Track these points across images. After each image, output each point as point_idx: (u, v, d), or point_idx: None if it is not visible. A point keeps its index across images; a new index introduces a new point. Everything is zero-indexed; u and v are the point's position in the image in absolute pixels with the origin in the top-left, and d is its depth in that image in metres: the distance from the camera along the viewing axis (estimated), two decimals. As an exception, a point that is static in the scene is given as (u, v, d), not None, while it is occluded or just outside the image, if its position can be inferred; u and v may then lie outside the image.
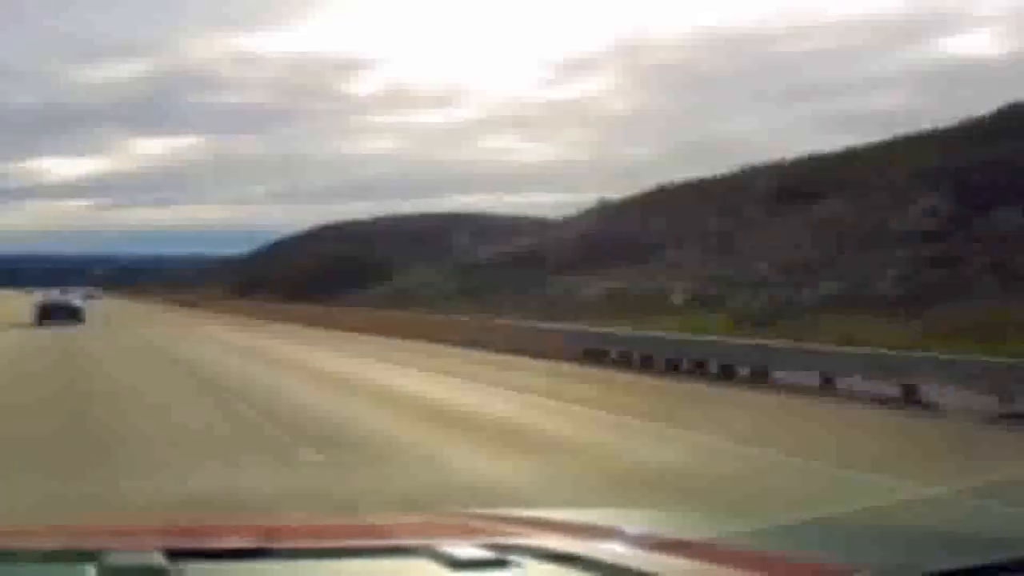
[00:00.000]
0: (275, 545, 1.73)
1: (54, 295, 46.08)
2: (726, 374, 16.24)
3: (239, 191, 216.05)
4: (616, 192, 66.25)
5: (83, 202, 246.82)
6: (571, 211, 49.56)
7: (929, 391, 12.39)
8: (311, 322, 35.43)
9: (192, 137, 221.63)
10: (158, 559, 1.56)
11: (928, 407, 11.93)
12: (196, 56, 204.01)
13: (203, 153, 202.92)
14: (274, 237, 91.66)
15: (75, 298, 45.53)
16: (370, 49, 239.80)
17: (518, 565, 1.61)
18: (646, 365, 17.90)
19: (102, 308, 55.83)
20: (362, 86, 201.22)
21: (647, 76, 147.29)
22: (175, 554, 1.59)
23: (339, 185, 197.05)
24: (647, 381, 15.67)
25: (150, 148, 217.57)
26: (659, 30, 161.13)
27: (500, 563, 1.61)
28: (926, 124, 34.81)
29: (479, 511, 2.50)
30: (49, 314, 40.74)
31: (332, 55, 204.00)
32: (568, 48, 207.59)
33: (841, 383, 13.79)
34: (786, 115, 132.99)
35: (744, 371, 16.02)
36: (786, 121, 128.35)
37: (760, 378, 15.21)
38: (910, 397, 12.78)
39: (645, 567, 1.57)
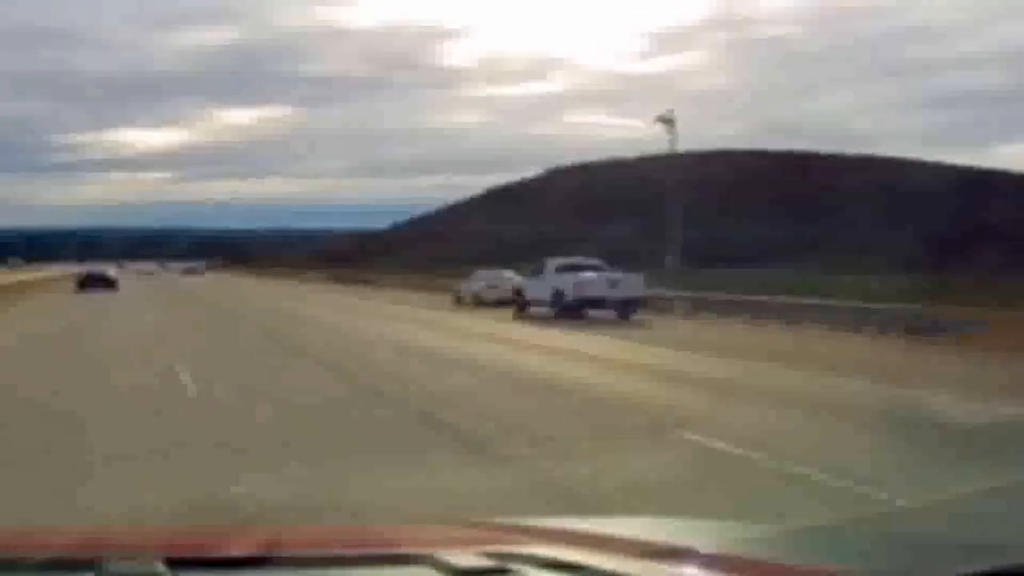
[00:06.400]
0: (276, 554, 1.89)
1: (96, 268, 59.86)
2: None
3: (321, 164, 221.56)
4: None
5: (164, 174, 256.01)
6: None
7: None
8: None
9: (276, 109, 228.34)
10: (159, 568, 1.74)
11: None
12: (283, 25, 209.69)
13: (286, 125, 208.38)
14: (356, 211, 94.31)
15: (109, 270, 59.91)
16: (461, 20, 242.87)
17: (520, 574, 1.76)
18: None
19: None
20: (451, 58, 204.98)
21: (741, 50, 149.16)
22: (176, 563, 1.76)
23: (422, 159, 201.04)
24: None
25: (232, 119, 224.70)
26: (757, 3, 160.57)
27: (501, 572, 1.77)
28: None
29: (481, 520, 2.65)
30: (87, 284, 52.57)
31: (422, 26, 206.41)
32: (664, 20, 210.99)
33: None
34: (879, 93, 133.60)
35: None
36: (879, 99, 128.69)
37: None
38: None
39: None
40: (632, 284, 28.16)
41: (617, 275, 28.45)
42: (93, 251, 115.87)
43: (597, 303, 27.26)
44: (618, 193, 66.86)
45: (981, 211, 45.81)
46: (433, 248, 74.57)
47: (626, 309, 27.18)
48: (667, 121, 43.55)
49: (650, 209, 59.19)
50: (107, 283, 53.22)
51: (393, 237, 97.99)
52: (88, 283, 52.91)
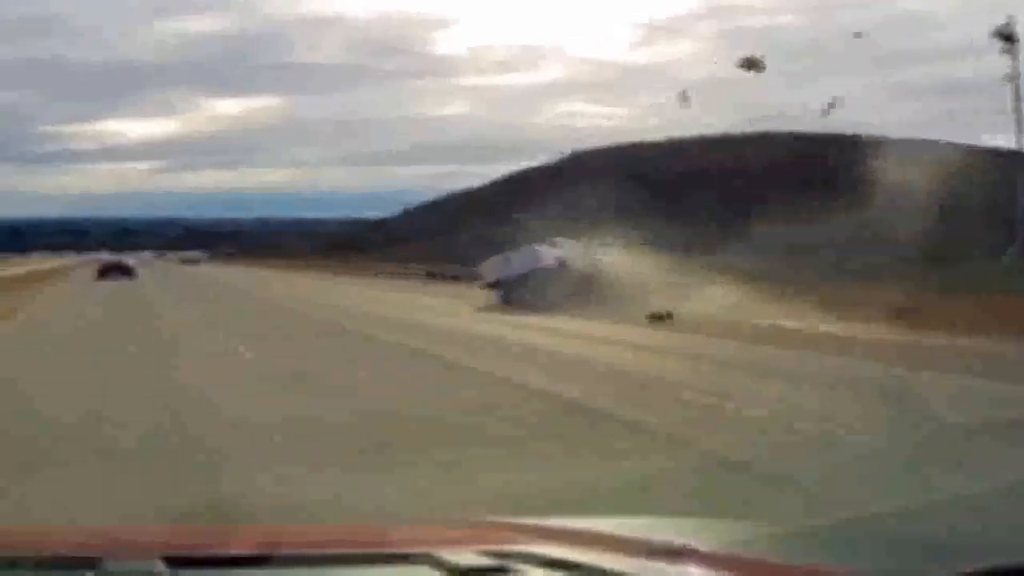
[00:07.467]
0: (276, 553, 1.89)
1: (113, 258, 60.25)
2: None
3: (309, 153, 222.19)
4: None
5: (152, 164, 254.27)
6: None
7: None
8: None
9: (263, 98, 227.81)
10: (157, 567, 1.75)
11: None
12: (271, 14, 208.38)
13: (275, 115, 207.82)
14: (346, 200, 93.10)
15: (128, 259, 60.18)
16: (451, 9, 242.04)
17: (519, 573, 1.77)
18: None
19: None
20: (442, 47, 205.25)
21: (730, 41, 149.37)
22: (174, 562, 1.77)
23: (413, 148, 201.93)
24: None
25: (220, 109, 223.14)
26: None
27: (501, 570, 1.78)
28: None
29: (481, 519, 2.65)
30: (106, 273, 51.97)
31: (412, 15, 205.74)
32: (655, 10, 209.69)
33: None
34: (869, 83, 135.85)
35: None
36: (868, 89, 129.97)
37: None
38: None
39: (647, 575, 1.74)
40: (522, 260, 28.57)
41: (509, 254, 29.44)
42: (80, 241, 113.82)
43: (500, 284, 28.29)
44: (656, 176, 64.67)
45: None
46: (455, 235, 72.19)
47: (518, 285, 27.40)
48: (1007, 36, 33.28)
49: (702, 190, 57.46)
50: (125, 272, 53.37)
51: (399, 225, 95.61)
52: (106, 273, 53.34)
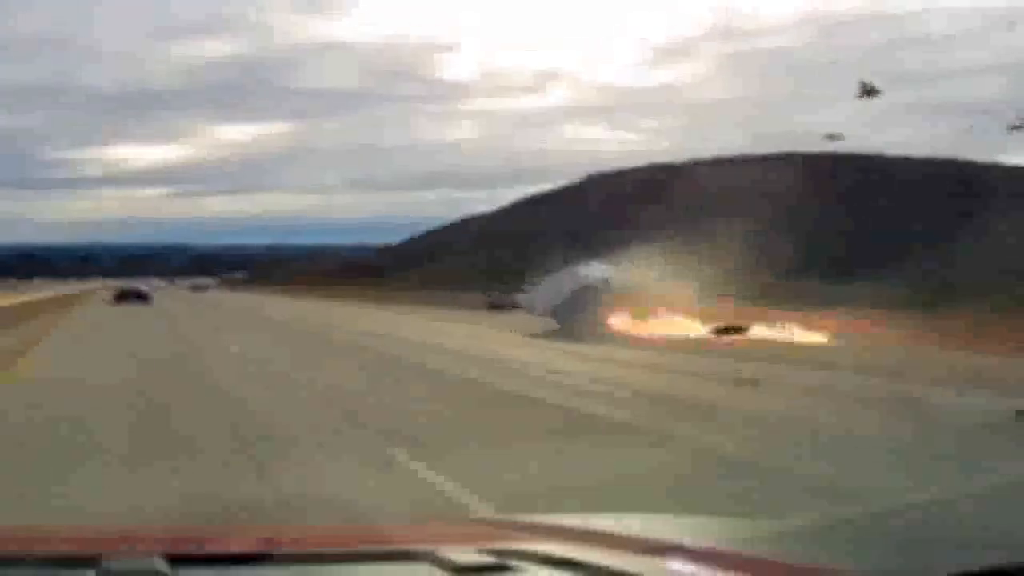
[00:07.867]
0: (277, 551, 1.90)
1: (130, 285, 62.56)
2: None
3: (318, 179, 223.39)
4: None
5: (161, 190, 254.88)
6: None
7: None
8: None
9: (273, 124, 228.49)
10: (159, 565, 1.73)
11: None
12: (281, 39, 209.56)
13: (284, 141, 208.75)
14: (356, 226, 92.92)
15: (142, 284, 63.59)
16: (458, 34, 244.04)
17: (520, 570, 1.77)
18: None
19: None
20: (449, 72, 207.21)
21: (741, 62, 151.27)
22: (176, 560, 1.75)
23: (421, 173, 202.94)
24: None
25: (229, 134, 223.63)
26: (758, 14, 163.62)
27: (501, 568, 1.77)
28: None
29: (482, 517, 2.80)
30: (122, 298, 54.50)
31: (420, 41, 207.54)
32: (662, 34, 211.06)
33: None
34: (880, 104, 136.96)
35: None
36: (880, 110, 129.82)
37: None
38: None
39: (648, 573, 1.72)
40: (566, 282, 28.02)
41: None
42: (87, 268, 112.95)
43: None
44: (667, 198, 63.59)
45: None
46: (475, 260, 70.87)
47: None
48: None
49: (727, 210, 55.97)
50: (141, 297, 55.96)
51: (409, 250, 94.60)
52: (123, 298, 55.71)
